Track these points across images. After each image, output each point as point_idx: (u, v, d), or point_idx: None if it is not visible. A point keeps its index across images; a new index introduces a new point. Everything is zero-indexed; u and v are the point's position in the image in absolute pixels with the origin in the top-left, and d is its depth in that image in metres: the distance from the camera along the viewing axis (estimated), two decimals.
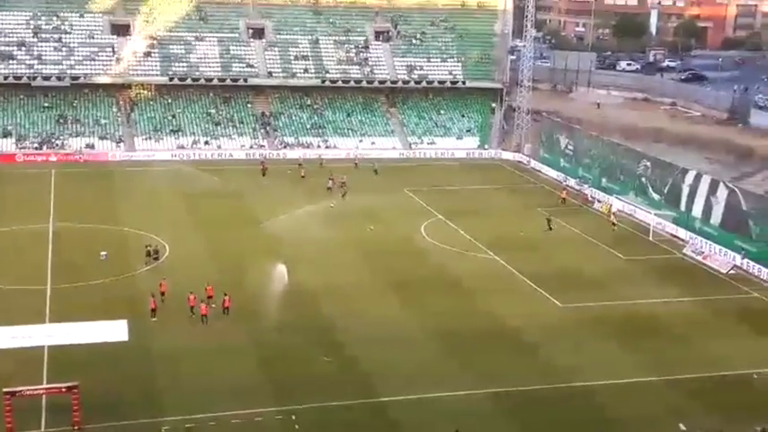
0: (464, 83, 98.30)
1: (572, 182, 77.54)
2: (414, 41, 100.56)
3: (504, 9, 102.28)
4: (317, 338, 43.23)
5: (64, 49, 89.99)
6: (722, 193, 61.91)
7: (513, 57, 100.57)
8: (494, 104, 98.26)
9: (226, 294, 45.99)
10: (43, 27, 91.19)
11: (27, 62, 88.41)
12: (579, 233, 64.24)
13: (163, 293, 46.46)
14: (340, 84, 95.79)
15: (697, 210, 64.02)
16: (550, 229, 63.90)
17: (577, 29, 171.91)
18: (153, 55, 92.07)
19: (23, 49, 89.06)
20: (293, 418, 35.54)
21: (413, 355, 42.16)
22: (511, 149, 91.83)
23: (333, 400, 37.17)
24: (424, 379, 39.58)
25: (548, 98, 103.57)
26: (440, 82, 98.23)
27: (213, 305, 45.54)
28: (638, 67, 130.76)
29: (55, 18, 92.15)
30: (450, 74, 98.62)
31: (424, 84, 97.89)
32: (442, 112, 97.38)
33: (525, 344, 44.06)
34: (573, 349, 43.61)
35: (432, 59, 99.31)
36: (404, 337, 44.11)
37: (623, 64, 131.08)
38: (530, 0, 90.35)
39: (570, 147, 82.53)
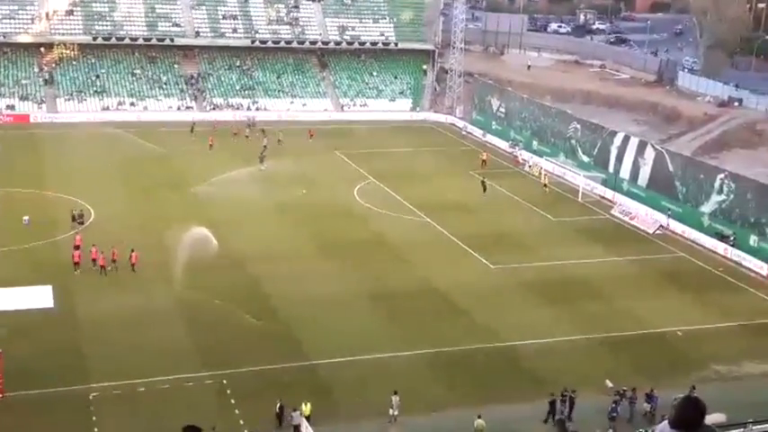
0: (396, 44, 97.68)
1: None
2: (345, 2, 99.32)
3: None
4: (248, 303, 42.75)
5: None
6: (650, 154, 63.00)
7: (445, 18, 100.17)
8: (426, 66, 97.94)
9: (133, 251, 45.85)
10: None
11: None
12: (511, 195, 64.71)
13: (94, 260, 45.53)
14: (270, 44, 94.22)
15: (625, 171, 65.07)
16: (485, 190, 64.12)
17: None
18: (75, 13, 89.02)
19: None
20: (224, 382, 35.18)
21: (346, 318, 42.07)
22: (443, 111, 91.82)
23: (265, 364, 36.89)
24: (356, 341, 39.57)
25: (480, 60, 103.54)
26: (372, 43, 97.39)
27: (116, 267, 45.43)
28: (569, 29, 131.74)
29: None
30: (382, 35, 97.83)
31: (356, 45, 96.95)
32: (374, 73, 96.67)
33: (456, 305, 44.33)
34: (502, 310, 44.08)
35: (363, 20, 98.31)
36: (337, 300, 43.94)
37: (554, 26, 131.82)
38: None
39: (502, 109, 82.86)
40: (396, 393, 33.30)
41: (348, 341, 39.50)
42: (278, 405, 32.80)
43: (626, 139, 65.93)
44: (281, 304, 42.96)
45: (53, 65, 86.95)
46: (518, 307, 44.78)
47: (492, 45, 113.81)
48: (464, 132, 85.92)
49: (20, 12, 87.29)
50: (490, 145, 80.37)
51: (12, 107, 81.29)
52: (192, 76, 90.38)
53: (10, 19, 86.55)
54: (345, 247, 51.66)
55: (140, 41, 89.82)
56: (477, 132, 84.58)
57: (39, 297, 42.12)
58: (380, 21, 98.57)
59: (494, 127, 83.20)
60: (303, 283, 45.88)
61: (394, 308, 43.56)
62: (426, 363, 38.19)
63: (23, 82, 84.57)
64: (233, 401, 33.96)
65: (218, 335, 39.52)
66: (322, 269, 48.18)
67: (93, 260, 45.42)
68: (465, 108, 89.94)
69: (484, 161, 72.78)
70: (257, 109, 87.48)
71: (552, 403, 33.97)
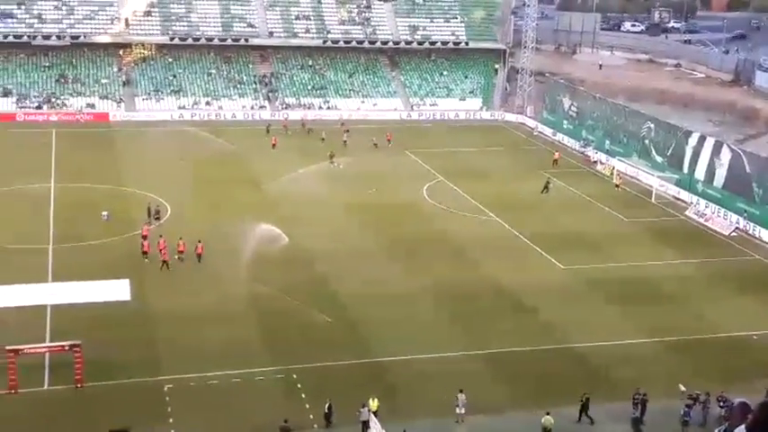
0: (467, 44, 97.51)
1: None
2: (417, 1, 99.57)
3: None
4: (316, 299, 43.32)
5: (64, 7, 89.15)
6: (726, 155, 61.68)
7: (516, 17, 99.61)
8: (497, 66, 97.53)
9: (199, 242, 47.41)
10: None
11: (27, 21, 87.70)
12: (581, 195, 64.11)
13: (161, 251, 46.78)
14: (342, 44, 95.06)
15: (700, 172, 63.83)
16: (547, 190, 63.62)
17: None
18: (153, 14, 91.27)
19: (23, 7, 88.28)
20: (294, 377, 35.75)
21: (413, 317, 42.32)
22: (514, 111, 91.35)
23: (333, 360, 37.37)
24: (423, 340, 39.77)
25: (551, 59, 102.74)
26: (442, 43, 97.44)
27: (182, 258, 47.23)
28: (643, 28, 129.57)
29: None
30: (453, 34, 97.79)
31: (426, 44, 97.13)
32: (444, 73, 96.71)
33: (523, 305, 44.18)
34: (571, 310, 43.75)
35: (435, 20, 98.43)
36: (403, 299, 44.25)
37: (628, 25, 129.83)
38: None
39: (574, 108, 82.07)
40: (461, 392, 33.41)
41: (414, 339, 39.72)
42: (327, 405, 32.80)
43: (702, 140, 64.66)
44: (349, 301, 43.43)
45: (132, 65, 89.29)
46: (587, 308, 44.39)
47: (564, 44, 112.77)
48: (535, 132, 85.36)
49: (99, 13, 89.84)
50: (561, 144, 79.75)
51: (92, 106, 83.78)
52: (266, 76, 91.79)
53: (90, 20, 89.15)
54: (413, 245, 51.91)
55: (216, 42, 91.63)
56: (548, 132, 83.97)
57: (116, 290, 43.43)
58: (451, 20, 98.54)
59: (565, 126, 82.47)
60: (370, 280, 46.31)
61: (460, 306, 43.62)
62: (492, 362, 38.17)
63: (103, 81, 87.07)
64: (303, 396, 34.51)
65: (287, 330, 40.17)
66: (389, 267, 48.53)
67: (160, 251, 46.83)
68: (535, 107, 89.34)
69: (555, 160, 72.29)
70: (328, 108, 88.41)
71: (584, 403, 33.63)
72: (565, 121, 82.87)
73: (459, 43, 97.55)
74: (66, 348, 34.35)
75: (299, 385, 35.21)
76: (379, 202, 60.15)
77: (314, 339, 39.25)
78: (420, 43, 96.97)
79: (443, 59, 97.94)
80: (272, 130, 77.30)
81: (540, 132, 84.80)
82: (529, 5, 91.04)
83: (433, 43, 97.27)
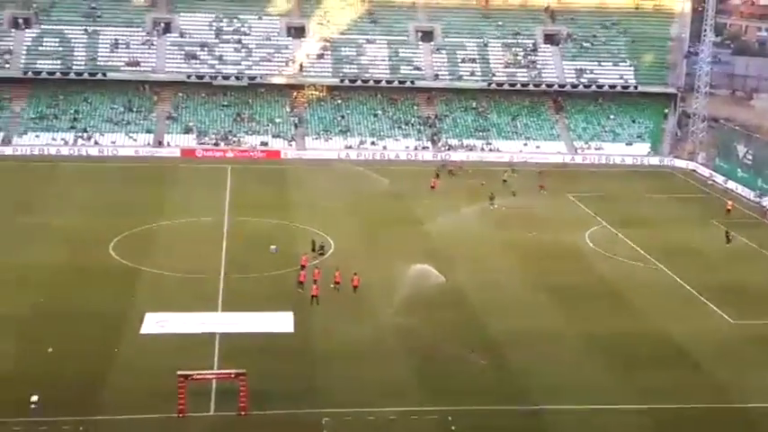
0: (636, 87, 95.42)
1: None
2: (584, 45, 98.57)
3: (681, 12, 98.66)
4: (471, 340, 43.28)
5: (243, 50, 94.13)
6: None
7: (689, 61, 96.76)
8: (667, 110, 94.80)
9: (355, 274, 48.56)
10: (224, 29, 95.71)
11: (209, 62, 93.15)
12: (756, 247, 61.07)
13: (315, 280, 48.25)
14: (506, 87, 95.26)
15: None
16: (729, 241, 61.03)
17: (759, 33, 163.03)
18: (325, 57, 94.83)
19: (206, 49, 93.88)
20: (449, 419, 35.77)
21: (571, 364, 41.52)
22: (684, 157, 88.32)
23: (488, 404, 37.15)
24: (581, 389, 38.90)
25: (726, 104, 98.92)
26: (610, 86, 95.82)
27: (338, 288, 48.78)
28: None
29: (235, 20, 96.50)
30: (622, 78, 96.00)
31: (593, 88, 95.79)
32: (611, 116, 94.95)
33: (687, 358, 42.44)
34: (742, 369, 41.57)
35: (602, 63, 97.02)
36: (562, 345, 43.50)
37: None
38: (710, 3, 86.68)
39: (749, 156, 78.52)
40: None
41: (571, 387, 38.90)
42: None
43: None
44: (505, 344, 43.10)
45: (303, 105, 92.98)
46: (761, 367, 42.03)
47: (739, 89, 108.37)
48: (706, 179, 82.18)
49: (276, 55, 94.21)
50: (733, 193, 76.40)
51: (265, 143, 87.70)
52: (429, 117, 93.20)
53: (267, 62, 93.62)
54: (572, 290, 50.99)
55: (383, 83, 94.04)
56: (720, 179, 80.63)
57: (281, 322, 45.04)
58: (620, 64, 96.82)
59: (739, 175, 78.93)
60: (527, 324, 45.82)
61: (620, 356, 42.35)
62: (652, 418, 36.78)
63: (276, 120, 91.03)
64: None
65: (441, 369, 40.24)
66: (548, 311, 47.88)
67: (314, 281, 48.29)
68: (708, 154, 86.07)
69: (728, 210, 69.34)
70: (490, 150, 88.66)
71: None
72: (739, 170, 79.35)
73: (628, 87, 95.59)
74: (233, 376, 35.90)
75: (453, 428, 35.19)
76: (540, 245, 59.54)
77: (468, 381, 39.18)
78: (587, 86, 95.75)
79: (610, 103, 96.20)
80: (437, 171, 78.05)
81: (712, 180, 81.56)
82: (702, 50, 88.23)
83: (600, 87, 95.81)
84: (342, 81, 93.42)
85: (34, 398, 35.35)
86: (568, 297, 49.94)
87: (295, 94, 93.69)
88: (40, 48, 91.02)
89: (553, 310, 48.10)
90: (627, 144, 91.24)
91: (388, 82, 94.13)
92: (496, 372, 40.31)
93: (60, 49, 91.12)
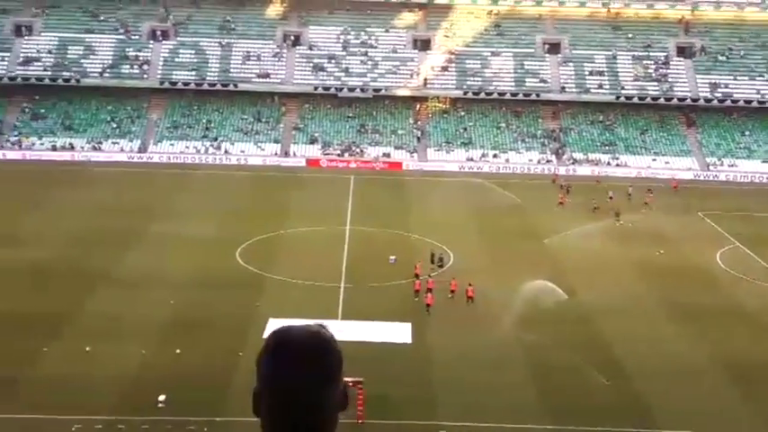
0: None
1: None
2: (719, 58, 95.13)
3: None
4: (593, 359, 42.20)
5: (369, 62, 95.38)
6: None
7: None
8: None
9: (470, 285, 48.43)
10: (352, 41, 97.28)
11: (335, 74, 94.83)
12: None
13: (430, 289, 48.79)
14: (635, 101, 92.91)
15: None
16: None
17: None
18: (450, 69, 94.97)
19: (333, 61, 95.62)
20: None
21: (697, 389, 39.91)
22: None
23: (611, 426, 36.18)
24: (707, 416, 37.34)
25: None
26: (746, 101, 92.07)
27: (453, 297, 49.11)
28: None
29: (363, 33, 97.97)
30: (758, 93, 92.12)
31: (728, 103, 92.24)
32: (746, 133, 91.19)
33: None
34: None
35: (738, 77, 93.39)
36: (688, 369, 41.89)
37: None
38: None
39: None
40: None
41: (699, 415, 37.39)
42: None
43: None
44: (629, 366, 41.86)
45: (427, 117, 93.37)
46: None
47: None
48: None
49: (401, 68, 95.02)
50: None
51: (387, 155, 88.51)
52: (554, 131, 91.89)
53: (392, 74, 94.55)
54: (701, 312, 49.06)
55: (507, 96, 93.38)
56: None
57: (399, 332, 45.22)
58: (757, 78, 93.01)
59: None
60: (653, 346, 44.34)
61: (754, 385, 40.44)
62: None
63: (399, 132, 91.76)
64: None
65: (563, 387, 39.47)
66: (675, 334, 46.21)
67: (428, 290, 48.82)
68: None
69: None
70: (617, 165, 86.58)
71: None
72: None
73: (765, 102, 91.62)
74: (351, 384, 36.17)
75: None
76: (668, 264, 57.60)
77: (590, 401, 38.27)
78: (721, 101, 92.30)
79: (746, 118, 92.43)
80: (567, 187, 76.51)
81: None
82: None
83: (735, 101, 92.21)
84: (465, 93, 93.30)
85: (162, 397, 36.68)
86: (699, 320, 48.04)
87: (418, 106, 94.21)
88: (177, 59, 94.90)
89: (681, 333, 46.37)
90: (763, 162, 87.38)
91: (512, 94, 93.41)
92: (620, 393, 39.18)
93: (195, 60, 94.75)
